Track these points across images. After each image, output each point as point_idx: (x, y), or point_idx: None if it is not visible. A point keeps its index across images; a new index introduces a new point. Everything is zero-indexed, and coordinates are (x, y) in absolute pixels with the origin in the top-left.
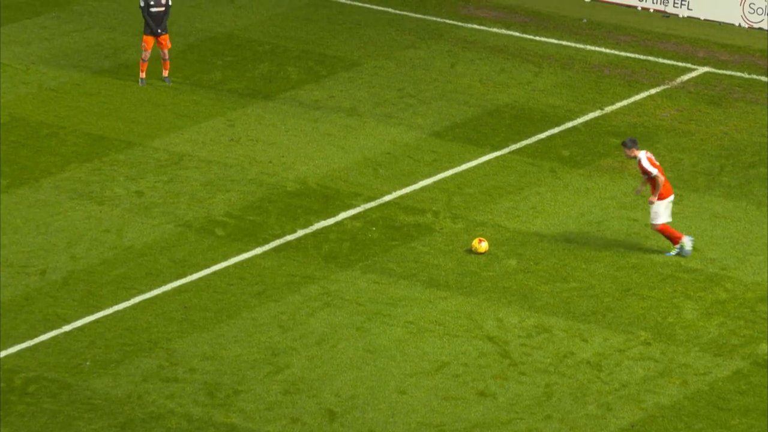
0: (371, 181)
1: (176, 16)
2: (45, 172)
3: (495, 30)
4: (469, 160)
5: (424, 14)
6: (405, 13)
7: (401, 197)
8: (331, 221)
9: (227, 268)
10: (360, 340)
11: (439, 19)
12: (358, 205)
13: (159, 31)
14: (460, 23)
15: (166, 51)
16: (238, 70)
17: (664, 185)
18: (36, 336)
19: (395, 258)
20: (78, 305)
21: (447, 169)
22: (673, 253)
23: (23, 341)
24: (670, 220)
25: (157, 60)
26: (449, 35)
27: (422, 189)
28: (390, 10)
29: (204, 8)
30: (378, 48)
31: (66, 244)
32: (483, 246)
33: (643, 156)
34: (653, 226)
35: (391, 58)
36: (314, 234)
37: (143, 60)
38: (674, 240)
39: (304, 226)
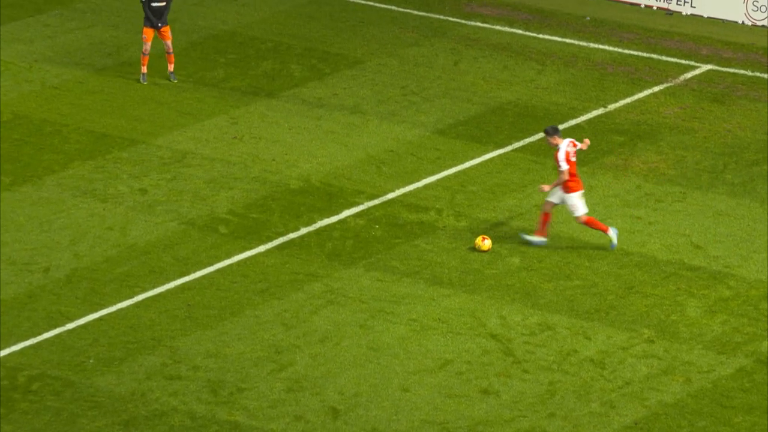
0: (374, 178)
1: (179, 14)
2: (48, 170)
3: (498, 27)
4: (473, 158)
5: (427, 12)
6: (408, 10)
7: (404, 195)
8: (334, 219)
9: (230, 265)
10: (363, 337)
11: (442, 17)
12: (362, 203)
13: (159, 24)
14: (463, 21)
15: (168, 43)
16: (241, 68)
17: (575, 180)
18: (39, 334)
19: (398, 256)
20: (81, 303)
21: (450, 166)
22: (529, 237)
23: (26, 339)
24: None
25: (161, 56)
26: (452, 33)
27: (425, 187)
28: (393, 7)
29: (207, 6)
30: (381, 46)
31: (69, 241)
32: (486, 244)
33: (563, 147)
34: (578, 219)
35: (394, 56)
36: (317, 232)
37: (144, 54)
38: (604, 229)
39: (308, 224)
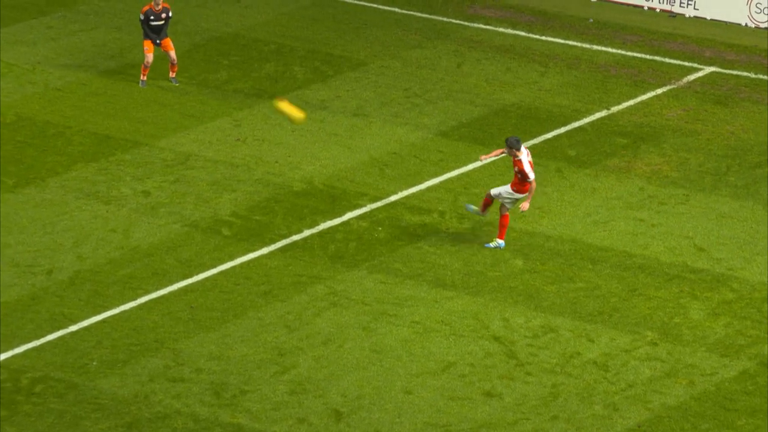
0: (377, 181)
1: (182, 16)
2: (51, 172)
3: (501, 29)
4: (476, 160)
5: (430, 14)
6: (411, 12)
7: (407, 197)
8: (337, 221)
9: (233, 268)
10: (366, 340)
11: (445, 19)
12: (365, 205)
13: (158, 41)
14: (466, 23)
15: (172, 54)
16: (244, 70)
17: (524, 185)
18: (42, 336)
19: (401, 258)
20: (84, 305)
21: (453, 168)
22: (492, 245)
23: (30, 341)
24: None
25: (164, 59)
26: (455, 35)
27: (428, 189)
28: (396, 9)
29: (210, 8)
30: (384, 48)
31: (72, 243)
32: (294, 112)
33: (525, 158)
34: (503, 211)
35: (397, 58)
36: (320, 234)
37: (145, 66)
38: (500, 235)
39: (311, 226)
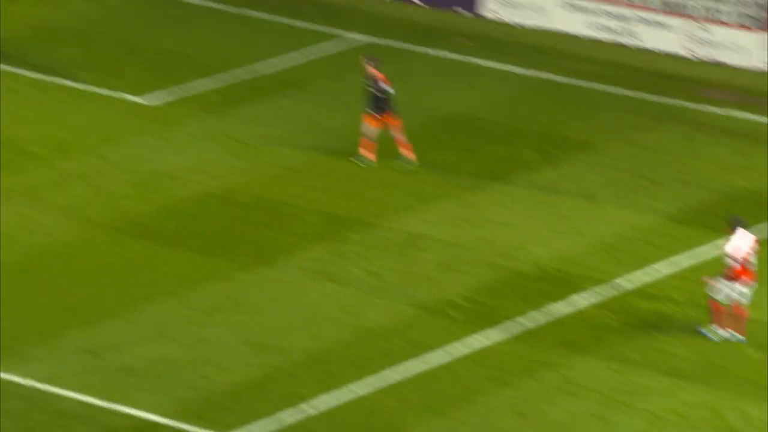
0: (607, 265)
1: (410, 97)
2: (283, 251)
3: (733, 112)
4: (707, 246)
5: (659, 96)
6: (640, 94)
7: (639, 283)
8: (567, 306)
9: (462, 351)
10: (600, 429)
11: (674, 101)
12: (595, 290)
13: (371, 111)
14: (696, 105)
15: (392, 131)
16: (472, 151)
17: (745, 271)
18: (277, 415)
19: (634, 346)
20: (318, 385)
21: (685, 254)
22: (705, 331)
23: (265, 419)
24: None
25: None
26: (685, 117)
27: (660, 275)
28: (624, 91)
29: (439, 89)
30: (612, 130)
31: (305, 323)
32: None
33: (736, 241)
34: (723, 302)
35: (625, 140)
36: (550, 319)
37: (363, 136)
38: (714, 319)
39: (541, 310)
